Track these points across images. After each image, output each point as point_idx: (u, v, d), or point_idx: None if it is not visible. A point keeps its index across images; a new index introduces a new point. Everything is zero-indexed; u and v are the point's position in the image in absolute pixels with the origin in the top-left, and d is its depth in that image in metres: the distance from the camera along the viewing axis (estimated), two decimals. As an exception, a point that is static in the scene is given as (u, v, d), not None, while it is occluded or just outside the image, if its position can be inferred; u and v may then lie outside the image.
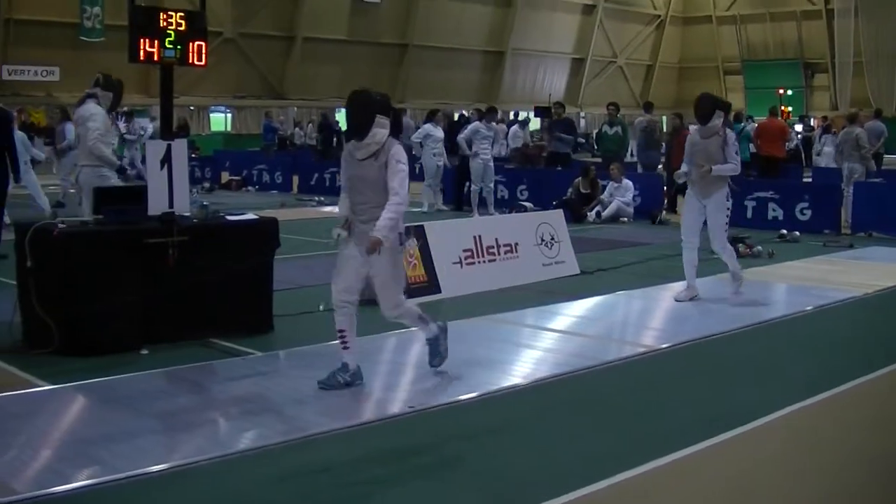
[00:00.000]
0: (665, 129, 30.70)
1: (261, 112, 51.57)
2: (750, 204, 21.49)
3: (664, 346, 10.36)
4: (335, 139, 37.52)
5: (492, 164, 23.33)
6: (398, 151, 8.37)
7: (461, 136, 23.93)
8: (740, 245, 16.83)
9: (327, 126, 38.04)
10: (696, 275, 12.76)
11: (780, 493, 6.36)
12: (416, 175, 30.08)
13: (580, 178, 23.39)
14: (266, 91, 56.27)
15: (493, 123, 24.03)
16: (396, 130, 8.58)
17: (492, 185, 23.37)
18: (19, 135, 20.24)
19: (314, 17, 55.58)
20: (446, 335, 9.07)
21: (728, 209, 12.61)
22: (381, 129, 8.31)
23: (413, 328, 9.37)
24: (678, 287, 13.51)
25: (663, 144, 26.95)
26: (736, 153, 12.45)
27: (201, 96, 50.86)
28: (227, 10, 51.03)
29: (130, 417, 7.59)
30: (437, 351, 9.01)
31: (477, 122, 23.63)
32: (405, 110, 33.59)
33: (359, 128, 8.36)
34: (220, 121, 56.52)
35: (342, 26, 57.36)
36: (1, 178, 15.44)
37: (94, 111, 12.57)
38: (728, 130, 12.61)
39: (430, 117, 26.18)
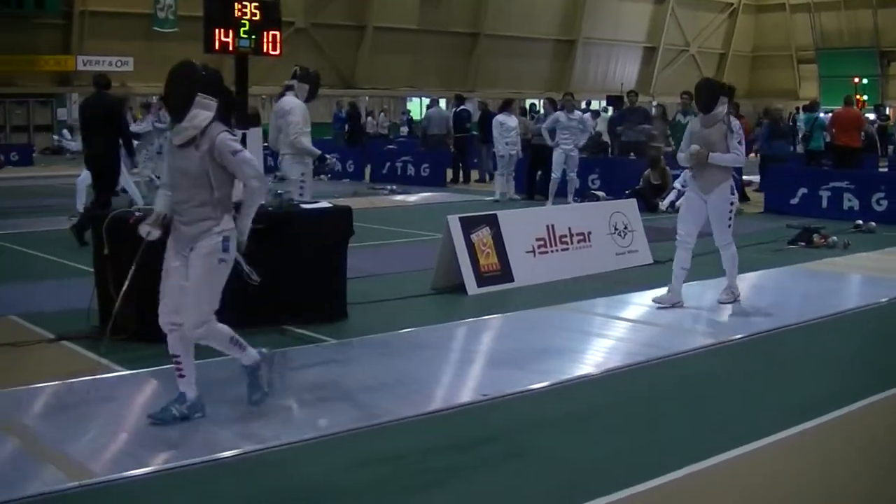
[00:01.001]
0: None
1: (332, 101, 51.76)
2: (825, 194, 21.24)
3: (737, 336, 10.27)
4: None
5: (574, 153, 23.06)
6: (225, 140, 7.03)
7: (544, 126, 23.80)
8: (815, 235, 16.64)
9: (355, 115, 38.50)
10: (728, 272, 11.95)
11: (857, 487, 6.31)
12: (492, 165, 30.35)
13: (650, 169, 23.24)
14: (337, 81, 56.50)
15: (574, 112, 23.77)
16: (227, 116, 7.27)
17: (573, 174, 23.21)
18: None
19: (385, 7, 55.83)
20: (270, 366, 7.74)
21: (732, 203, 11.56)
22: (203, 111, 7.00)
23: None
24: (752, 277, 13.42)
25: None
26: (740, 143, 11.29)
27: (272, 86, 51.14)
28: (299, 0, 51.36)
29: (205, 403, 7.64)
30: (256, 384, 7.59)
31: (559, 113, 23.45)
32: (438, 100, 33.51)
33: (176, 107, 7.10)
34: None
35: (413, 16, 57.54)
36: (114, 165, 15.81)
37: (292, 104, 12.74)
38: (733, 119, 11.56)
39: (505, 107, 26.17)
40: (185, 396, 7.33)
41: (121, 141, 16.11)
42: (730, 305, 11.63)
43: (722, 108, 11.28)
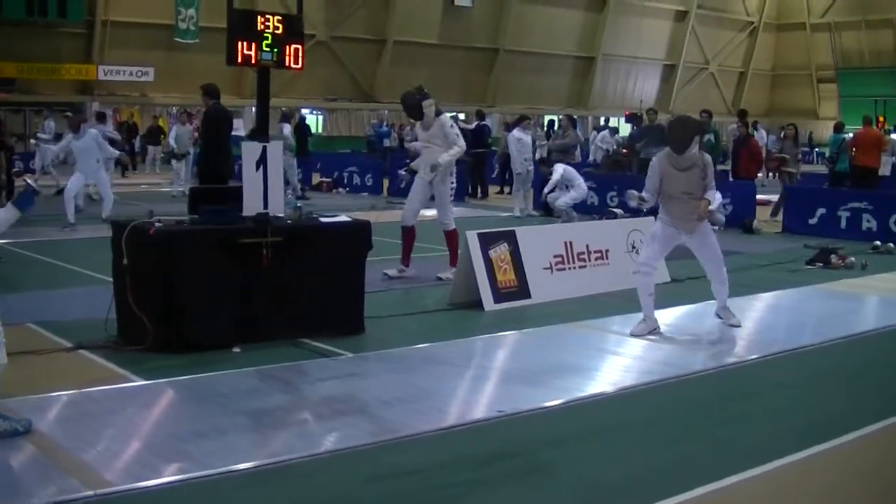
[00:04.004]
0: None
1: (352, 114, 51.93)
2: (844, 214, 21.16)
3: (753, 356, 10.25)
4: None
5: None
6: None
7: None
8: (833, 256, 16.59)
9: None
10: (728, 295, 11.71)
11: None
12: (506, 180, 30.51)
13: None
14: (357, 94, 56.67)
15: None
16: None
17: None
18: (92, 132, 20.47)
19: (405, 21, 56.00)
20: None
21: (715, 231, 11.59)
22: None
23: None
24: (768, 297, 13.42)
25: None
26: (713, 177, 11.01)
27: (293, 98, 51.35)
28: (319, 13, 51.61)
29: (222, 414, 7.69)
30: None
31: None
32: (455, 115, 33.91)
33: None
34: (311, 122, 57.01)
35: (433, 30, 57.71)
36: (223, 172, 16.29)
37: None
38: (706, 155, 11.03)
39: (519, 123, 26.25)
40: None
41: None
42: (746, 325, 11.58)
43: (696, 148, 10.82)
